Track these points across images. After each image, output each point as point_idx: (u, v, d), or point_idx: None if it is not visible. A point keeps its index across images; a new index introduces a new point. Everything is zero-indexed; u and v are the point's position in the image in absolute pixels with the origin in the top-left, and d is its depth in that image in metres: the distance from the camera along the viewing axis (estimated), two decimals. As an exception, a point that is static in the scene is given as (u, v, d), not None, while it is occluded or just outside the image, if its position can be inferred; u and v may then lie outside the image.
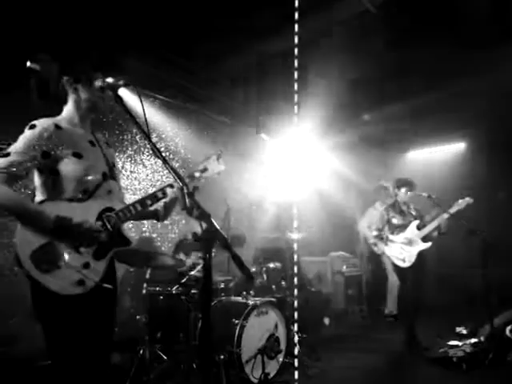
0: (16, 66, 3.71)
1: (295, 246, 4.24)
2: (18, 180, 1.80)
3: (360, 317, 6.56)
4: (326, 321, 5.87)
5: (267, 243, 5.86)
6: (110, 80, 1.98)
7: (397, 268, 4.66)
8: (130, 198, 4.87)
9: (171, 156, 5.51)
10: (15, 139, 1.87)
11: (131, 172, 5.06)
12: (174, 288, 3.75)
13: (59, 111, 2.06)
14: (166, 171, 1.74)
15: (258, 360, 3.48)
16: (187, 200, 1.59)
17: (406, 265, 4.53)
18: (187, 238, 4.73)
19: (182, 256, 4.33)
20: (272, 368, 3.60)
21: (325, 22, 4.28)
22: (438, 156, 7.33)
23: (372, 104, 6.09)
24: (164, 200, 2.13)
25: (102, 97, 2.00)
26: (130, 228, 4.78)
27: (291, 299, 4.40)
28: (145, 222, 5.08)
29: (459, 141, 7.18)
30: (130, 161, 5.07)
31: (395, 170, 6.94)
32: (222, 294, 4.02)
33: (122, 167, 4.94)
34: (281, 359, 3.69)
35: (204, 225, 1.57)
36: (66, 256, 1.79)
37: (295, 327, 3.67)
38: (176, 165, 5.48)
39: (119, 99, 1.91)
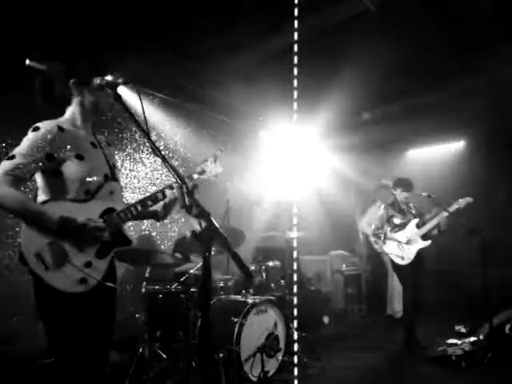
0: (18, 67, 3.73)
1: (295, 244, 4.24)
2: (22, 182, 1.83)
3: (359, 316, 6.57)
4: (326, 320, 5.88)
5: (266, 242, 5.86)
6: (109, 78, 1.99)
7: (395, 266, 4.66)
8: (129, 196, 4.92)
9: (170, 154, 5.51)
10: (15, 137, 1.88)
11: (130, 170, 5.06)
12: (174, 286, 3.76)
13: (61, 112, 2.07)
14: (166, 169, 1.75)
15: (257, 358, 3.49)
16: (186, 198, 1.60)
17: (405, 263, 4.53)
18: (186, 236, 4.73)
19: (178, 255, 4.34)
20: (271, 366, 3.61)
21: (325, 21, 4.27)
22: (437, 155, 7.33)
23: (372, 103, 6.09)
24: (164, 201, 2.16)
25: (107, 101, 2.02)
26: (129, 226, 4.78)
27: (290, 298, 4.41)
28: (144, 220, 5.08)
29: (458, 140, 7.18)
30: (130, 159, 5.07)
31: (395, 169, 6.93)
32: (222, 293, 4.02)
33: (122, 165, 4.94)
34: (280, 358, 3.70)
35: (203, 223, 1.57)
36: (70, 255, 1.83)
37: (295, 324, 3.67)
38: (175, 163, 5.48)
39: (118, 97, 1.91)
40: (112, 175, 2.07)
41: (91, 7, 3.74)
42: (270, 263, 4.79)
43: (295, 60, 2.97)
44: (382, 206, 4.84)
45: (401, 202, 4.78)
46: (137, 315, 3.78)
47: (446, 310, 5.71)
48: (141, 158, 5.19)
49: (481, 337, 4.29)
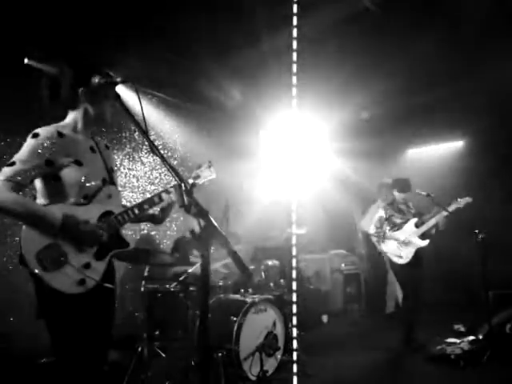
0: (19, 66, 3.73)
1: (294, 242, 4.25)
2: (23, 188, 1.85)
3: (358, 315, 6.57)
4: (325, 318, 5.88)
5: (266, 241, 5.86)
6: (108, 77, 2.00)
7: (394, 265, 4.67)
8: (128, 195, 4.91)
9: (169, 154, 5.51)
10: (15, 136, 1.88)
11: (129, 169, 5.05)
12: (173, 285, 3.75)
13: (63, 113, 2.08)
14: (164, 169, 1.76)
15: (256, 357, 3.49)
16: (185, 198, 1.60)
17: (403, 262, 4.54)
18: (186, 235, 4.73)
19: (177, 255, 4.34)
20: (270, 365, 3.61)
21: (324, 20, 4.27)
22: (437, 155, 7.33)
23: (371, 102, 6.09)
24: (161, 204, 2.20)
25: (112, 112, 2.06)
26: (128, 226, 4.77)
27: (288, 295, 4.41)
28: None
29: (458, 139, 7.19)
30: (128, 158, 5.06)
31: (395, 169, 6.93)
32: (221, 292, 4.02)
33: (120, 164, 4.94)
34: (279, 357, 3.70)
35: (202, 222, 1.57)
36: (69, 256, 1.85)
37: (294, 321, 3.66)
38: (174, 162, 5.47)
39: (117, 96, 1.94)
40: (110, 179, 2.10)
41: (91, 7, 3.73)
42: (269, 262, 4.79)
43: (294, 57, 2.97)
44: (381, 206, 4.84)
45: (400, 201, 4.78)
46: (136, 314, 3.79)
47: (444, 309, 5.72)
48: (140, 157, 5.18)
49: (480, 336, 4.30)
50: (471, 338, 4.28)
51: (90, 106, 2.03)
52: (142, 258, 3.65)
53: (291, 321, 3.80)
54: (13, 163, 1.84)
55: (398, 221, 4.70)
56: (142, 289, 3.71)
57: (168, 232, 5.40)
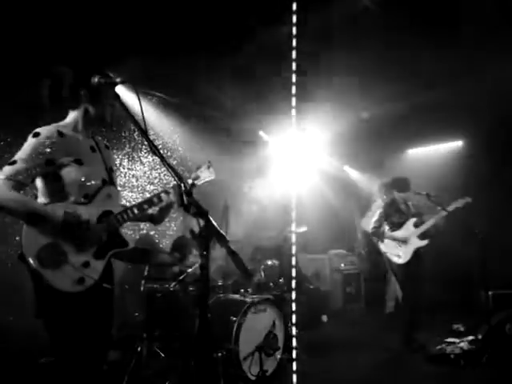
0: (19, 66, 3.73)
1: (293, 242, 4.26)
2: (24, 187, 1.87)
3: (358, 314, 6.57)
4: (324, 318, 5.88)
5: (265, 241, 5.86)
6: (107, 77, 2.00)
7: (393, 265, 4.67)
8: (127, 195, 4.91)
9: (169, 153, 5.51)
10: (15, 135, 1.89)
11: (129, 169, 5.05)
12: (172, 285, 3.75)
13: (63, 113, 2.09)
14: (164, 168, 1.76)
15: (255, 357, 3.49)
16: (185, 197, 1.60)
17: (402, 261, 4.54)
18: (185, 235, 4.72)
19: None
20: (270, 365, 3.61)
21: (324, 20, 4.26)
22: (437, 155, 7.33)
23: (371, 102, 6.08)
24: (160, 205, 2.21)
25: (113, 111, 2.07)
26: (127, 225, 4.78)
27: (288, 294, 4.41)
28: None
29: (458, 139, 7.19)
30: (128, 158, 5.06)
31: (395, 169, 6.93)
32: (220, 292, 4.02)
33: (120, 164, 4.94)
34: (279, 356, 3.70)
35: (202, 222, 1.57)
36: (68, 255, 1.86)
37: (293, 318, 3.67)
38: (174, 162, 5.47)
39: (117, 96, 1.95)
40: (110, 179, 2.11)
41: (91, 7, 3.73)
42: (269, 262, 4.79)
43: (293, 54, 2.97)
44: (381, 205, 4.84)
45: (399, 201, 4.78)
46: (135, 314, 3.79)
47: (444, 309, 5.72)
48: (139, 157, 5.18)
49: (479, 336, 4.30)
50: (471, 337, 4.28)
51: (91, 105, 2.04)
52: (141, 258, 3.65)
53: (291, 319, 3.81)
54: (14, 162, 1.85)
55: (398, 220, 4.70)
56: (142, 288, 3.71)
57: (167, 232, 5.41)
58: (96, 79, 1.97)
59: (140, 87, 4.72)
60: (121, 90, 2.07)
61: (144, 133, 1.79)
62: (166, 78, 5.04)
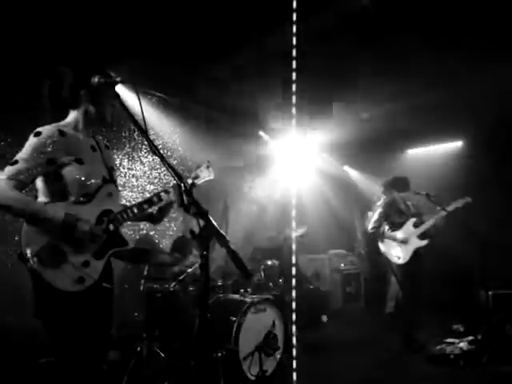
0: (20, 67, 3.73)
1: (293, 239, 4.27)
2: (25, 186, 1.87)
3: (358, 314, 6.57)
4: (324, 318, 5.88)
5: (265, 241, 5.86)
6: (107, 77, 2.01)
7: (392, 265, 4.66)
8: (127, 194, 4.91)
9: (169, 153, 5.51)
10: (16, 136, 1.89)
11: (129, 169, 5.05)
12: (172, 285, 3.75)
13: (64, 114, 2.09)
14: (164, 168, 1.76)
15: (255, 357, 3.49)
16: (185, 197, 1.60)
17: (401, 262, 4.54)
18: (185, 235, 4.73)
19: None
20: (269, 365, 3.61)
21: (324, 20, 4.26)
22: (437, 155, 7.33)
23: (371, 102, 6.08)
24: (159, 204, 2.21)
25: (113, 111, 2.08)
26: (127, 225, 4.78)
27: (286, 290, 4.41)
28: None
29: (457, 139, 7.19)
30: (128, 158, 5.06)
31: (394, 169, 6.93)
32: (220, 292, 4.02)
33: (120, 164, 4.94)
34: (278, 356, 3.70)
35: (201, 222, 1.57)
36: (68, 254, 1.86)
37: (293, 316, 3.67)
38: (173, 162, 5.47)
39: (117, 96, 1.96)
40: (110, 178, 2.12)
41: (91, 7, 3.73)
42: (269, 262, 4.79)
43: (293, 53, 2.97)
44: (381, 205, 4.84)
45: (399, 201, 4.78)
46: (135, 314, 3.79)
47: (444, 309, 5.72)
48: (139, 157, 5.18)
49: (479, 336, 4.30)
50: (470, 337, 4.28)
51: (91, 105, 2.04)
52: (141, 258, 3.65)
53: (290, 318, 3.81)
54: (15, 162, 1.85)
55: (397, 220, 4.70)
56: (142, 288, 3.71)
57: (167, 232, 5.41)
58: (96, 79, 1.98)
59: (140, 87, 4.72)
60: (121, 89, 2.07)
61: (144, 133, 1.79)
62: (166, 78, 5.04)
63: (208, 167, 2.38)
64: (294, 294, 3.63)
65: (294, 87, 3.10)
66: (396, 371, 4.01)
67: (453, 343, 4.20)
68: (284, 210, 5.93)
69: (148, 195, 2.23)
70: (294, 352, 3.56)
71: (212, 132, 6.01)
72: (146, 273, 3.77)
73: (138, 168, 5.15)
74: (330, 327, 5.73)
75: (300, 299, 3.81)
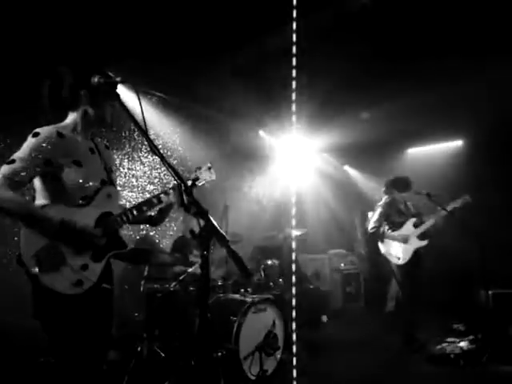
0: (20, 68, 3.73)
1: (293, 238, 4.27)
2: (22, 186, 1.86)
3: (358, 314, 6.57)
4: (324, 318, 5.88)
5: (265, 241, 5.86)
6: (107, 76, 2.00)
7: (392, 265, 4.66)
8: (127, 195, 4.91)
9: (169, 153, 5.50)
10: (15, 137, 1.89)
11: (129, 169, 5.05)
12: (172, 285, 3.75)
13: (64, 115, 2.09)
14: (164, 168, 1.76)
15: (255, 357, 3.49)
16: (185, 197, 1.60)
17: (401, 262, 4.54)
18: (185, 235, 4.72)
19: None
20: (270, 365, 3.61)
21: (323, 19, 4.26)
22: (437, 154, 7.32)
23: (371, 102, 6.08)
24: (159, 206, 2.21)
25: (113, 112, 2.08)
26: (127, 226, 4.77)
27: (286, 290, 4.41)
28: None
29: (458, 139, 7.19)
30: (128, 158, 5.06)
31: (394, 168, 6.93)
32: (220, 291, 4.02)
33: (120, 164, 4.93)
34: (279, 356, 3.70)
35: (202, 222, 1.57)
36: (67, 257, 1.86)
37: (293, 313, 3.67)
38: (174, 162, 5.47)
39: (117, 96, 1.94)
40: (109, 180, 2.11)
41: (91, 7, 3.73)
42: (269, 262, 4.79)
43: (293, 49, 2.97)
44: (381, 205, 4.83)
45: (399, 200, 4.78)
46: (136, 314, 3.78)
47: (444, 309, 5.72)
48: (139, 157, 5.18)
49: (479, 335, 4.30)
50: (471, 337, 4.28)
51: (90, 107, 2.03)
52: (141, 258, 3.65)
53: (290, 315, 3.81)
54: (12, 161, 1.84)
55: (397, 220, 4.70)
56: (142, 289, 3.71)
57: (168, 232, 5.40)
58: (96, 79, 1.96)
59: (140, 87, 4.72)
60: (121, 89, 2.07)
61: (144, 133, 1.79)
62: (166, 78, 5.03)
63: (210, 169, 2.37)
64: (293, 291, 3.64)
65: (293, 84, 3.10)
66: (396, 371, 4.01)
67: (453, 343, 4.20)
68: (284, 208, 5.94)
69: (148, 195, 2.23)
70: (294, 349, 3.56)
71: (212, 132, 6.01)
72: (146, 273, 3.77)
73: (138, 168, 5.15)
74: (329, 327, 5.73)
75: (300, 299, 3.81)
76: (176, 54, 4.67)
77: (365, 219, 6.48)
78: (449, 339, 4.32)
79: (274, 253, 5.24)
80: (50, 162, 1.88)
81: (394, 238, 4.62)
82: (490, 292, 4.56)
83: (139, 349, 3.42)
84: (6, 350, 3.49)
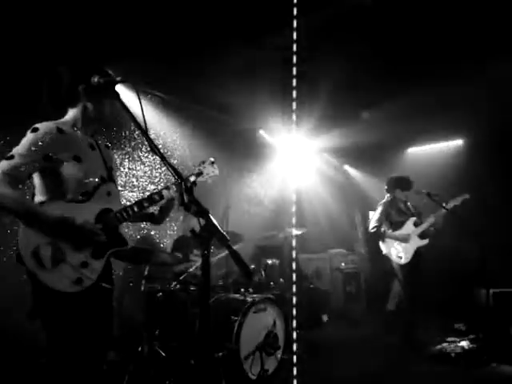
0: (19, 66, 3.73)
1: (293, 236, 4.27)
2: (20, 182, 1.85)
3: (358, 314, 6.56)
4: (325, 318, 5.88)
5: (266, 240, 5.86)
6: (107, 76, 2.00)
7: (393, 265, 4.66)
8: (127, 194, 4.91)
9: (169, 153, 5.50)
10: (15, 134, 1.89)
11: (129, 169, 5.04)
12: (173, 285, 3.75)
13: (63, 113, 2.09)
14: (164, 168, 1.76)
15: (256, 357, 3.49)
16: (185, 196, 1.59)
17: (403, 262, 4.54)
18: (186, 234, 4.72)
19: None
20: (270, 365, 3.61)
21: (323, 18, 4.26)
22: (437, 154, 7.32)
23: (371, 102, 6.08)
24: (160, 203, 2.19)
25: (112, 111, 2.08)
26: (127, 225, 4.77)
27: (286, 289, 4.41)
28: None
29: (458, 138, 7.18)
30: (128, 158, 5.05)
31: (394, 168, 6.93)
32: (221, 291, 4.01)
33: (120, 164, 4.93)
34: (279, 356, 3.70)
35: (202, 221, 1.57)
36: (66, 255, 1.84)
37: (293, 312, 3.67)
38: (174, 162, 5.47)
39: (117, 95, 1.94)
40: (109, 177, 2.10)
41: (91, 6, 3.73)
42: (269, 261, 4.79)
43: (294, 49, 2.97)
44: (382, 204, 4.83)
45: (399, 200, 4.78)
46: (136, 314, 3.78)
47: (445, 309, 5.72)
48: (140, 157, 5.17)
49: (480, 335, 4.30)
50: (472, 336, 4.28)
51: (90, 104, 2.03)
52: (142, 258, 3.64)
53: (291, 313, 3.81)
54: (11, 157, 1.83)
55: (398, 220, 4.70)
56: (142, 288, 3.71)
57: (168, 232, 5.40)
58: (96, 78, 1.96)
59: (140, 86, 4.72)
60: (121, 89, 2.07)
61: (144, 132, 1.79)
62: (166, 78, 5.03)
63: (213, 163, 2.34)
64: (294, 289, 3.64)
65: (294, 82, 3.09)
66: (397, 370, 4.01)
67: (454, 342, 4.20)
68: (284, 207, 5.93)
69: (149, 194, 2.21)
70: (295, 347, 3.56)
71: (212, 132, 6.00)
72: (146, 273, 3.76)
73: (138, 168, 5.14)
74: (330, 326, 5.73)
75: (300, 298, 3.81)
76: (176, 54, 4.67)
77: (365, 219, 6.48)
78: (449, 339, 4.32)
79: (274, 252, 5.24)
80: (49, 158, 1.87)
81: (394, 238, 4.62)
82: (490, 291, 4.56)
83: (139, 349, 3.42)
84: (6, 351, 3.49)
